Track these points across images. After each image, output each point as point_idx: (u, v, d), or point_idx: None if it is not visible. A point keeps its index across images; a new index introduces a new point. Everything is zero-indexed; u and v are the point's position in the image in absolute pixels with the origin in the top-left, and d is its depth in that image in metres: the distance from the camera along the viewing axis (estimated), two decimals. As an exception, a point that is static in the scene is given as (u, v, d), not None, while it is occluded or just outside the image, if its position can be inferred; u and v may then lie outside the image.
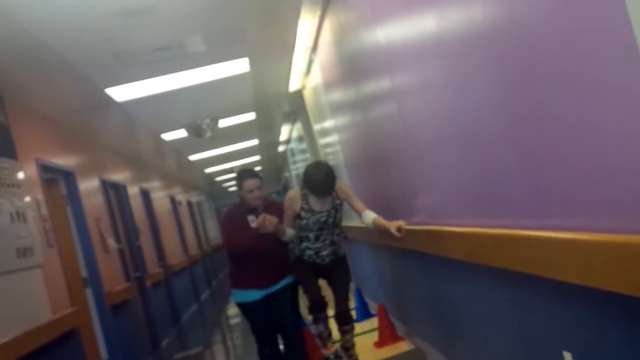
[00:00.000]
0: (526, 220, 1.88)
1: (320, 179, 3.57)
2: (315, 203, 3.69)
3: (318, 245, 3.76)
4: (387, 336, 4.26)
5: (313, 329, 4.05)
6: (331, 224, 3.73)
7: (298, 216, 3.74)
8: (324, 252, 3.77)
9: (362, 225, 3.73)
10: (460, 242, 2.43)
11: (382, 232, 3.49)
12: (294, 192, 3.85)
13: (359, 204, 3.72)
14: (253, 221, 3.78)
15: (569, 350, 1.81)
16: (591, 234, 1.51)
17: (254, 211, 3.87)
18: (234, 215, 3.96)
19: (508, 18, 1.70)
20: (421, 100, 2.73)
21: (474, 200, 2.35)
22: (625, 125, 1.31)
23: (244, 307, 4.00)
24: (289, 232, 3.80)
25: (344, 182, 3.99)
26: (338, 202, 3.73)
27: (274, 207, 3.89)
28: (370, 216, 3.60)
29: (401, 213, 3.46)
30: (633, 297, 1.36)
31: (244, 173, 3.96)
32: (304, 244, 3.79)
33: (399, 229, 3.25)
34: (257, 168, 16.49)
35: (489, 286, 2.39)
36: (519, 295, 2.11)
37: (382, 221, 3.49)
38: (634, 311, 1.43)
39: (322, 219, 3.71)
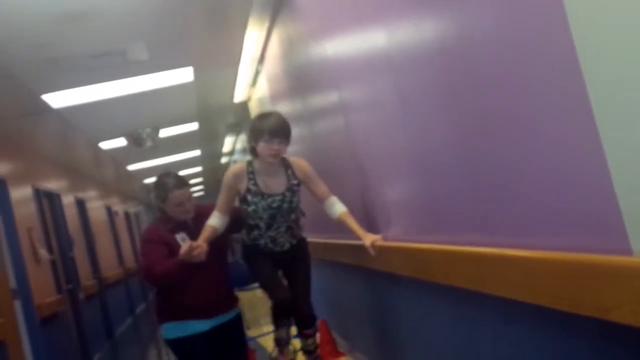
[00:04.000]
0: (471, 237, 1.89)
1: (276, 116, 2.90)
2: (264, 183, 2.92)
3: (271, 234, 2.99)
4: (328, 352, 4.22)
5: (274, 334, 3.35)
6: (286, 211, 2.95)
7: (244, 199, 2.94)
8: (281, 239, 3.03)
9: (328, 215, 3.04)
10: (405, 258, 2.43)
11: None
12: (239, 167, 2.98)
13: (322, 188, 2.98)
14: (184, 241, 2.91)
15: (510, 367, 1.83)
16: (534, 251, 1.53)
17: (184, 226, 3.00)
18: (158, 234, 2.98)
19: (458, 36, 1.72)
20: (369, 115, 2.74)
21: (420, 216, 2.37)
22: (565, 153, 1.34)
23: (181, 344, 2.96)
24: (223, 219, 2.95)
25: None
26: (295, 182, 2.95)
27: (207, 216, 3.04)
28: (338, 209, 2.93)
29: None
30: (573, 314, 1.38)
31: (169, 181, 2.97)
32: (255, 232, 3.01)
33: (372, 245, 2.72)
34: (199, 180, 16.28)
35: (433, 303, 2.41)
36: (462, 312, 2.13)
37: (356, 227, 2.86)
38: (573, 328, 1.46)
39: (275, 204, 2.91)
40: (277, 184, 2.93)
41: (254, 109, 7.05)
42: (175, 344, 2.99)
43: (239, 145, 10.44)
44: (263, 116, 2.94)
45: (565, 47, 1.24)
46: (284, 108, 5.05)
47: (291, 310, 3.14)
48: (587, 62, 1.20)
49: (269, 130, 2.81)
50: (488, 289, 1.77)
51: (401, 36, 2.13)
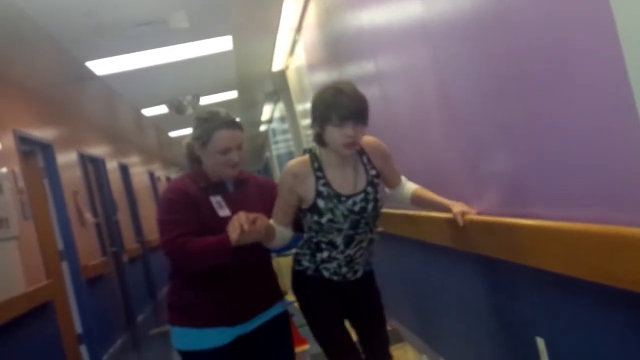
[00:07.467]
0: (508, 208, 1.90)
1: (346, 90, 1.98)
2: (338, 181, 2.05)
3: (350, 252, 2.09)
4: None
5: None
6: (371, 215, 2.08)
7: (312, 209, 2.04)
8: (359, 261, 2.14)
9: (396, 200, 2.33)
10: (440, 227, 2.45)
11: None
12: (299, 163, 2.09)
13: (397, 171, 2.24)
14: (221, 206, 2.06)
15: (541, 336, 1.85)
16: (572, 223, 1.53)
17: (221, 189, 2.12)
18: (188, 193, 2.05)
19: (494, 5, 1.70)
20: (405, 84, 2.73)
21: (456, 186, 2.37)
22: (604, 127, 1.33)
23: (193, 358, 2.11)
24: (282, 233, 2.10)
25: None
26: (374, 172, 2.11)
27: (254, 187, 2.23)
28: (411, 186, 2.26)
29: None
30: (607, 286, 1.39)
31: (215, 117, 2.10)
32: (323, 255, 2.09)
33: (463, 216, 2.07)
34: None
35: (467, 272, 2.43)
36: (495, 281, 2.15)
37: (438, 197, 2.20)
38: (608, 300, 1.47)
39: (357, 208, 2.04)
40: (353, 179, 2.07)
41: (292, 78, 7.06)
42: (186, 358, 2.14)
43: (277, 114, 10.50)
44: (327, 91, 2.01)
45: (602, 14, 1.23)
46: (321, 77, 5.05)
47: None
48: (624, 29, 1.19)
49: (339, 111, 1.94)
50: (523, 260, 1.78)
51: (438, 5, 2.12)
